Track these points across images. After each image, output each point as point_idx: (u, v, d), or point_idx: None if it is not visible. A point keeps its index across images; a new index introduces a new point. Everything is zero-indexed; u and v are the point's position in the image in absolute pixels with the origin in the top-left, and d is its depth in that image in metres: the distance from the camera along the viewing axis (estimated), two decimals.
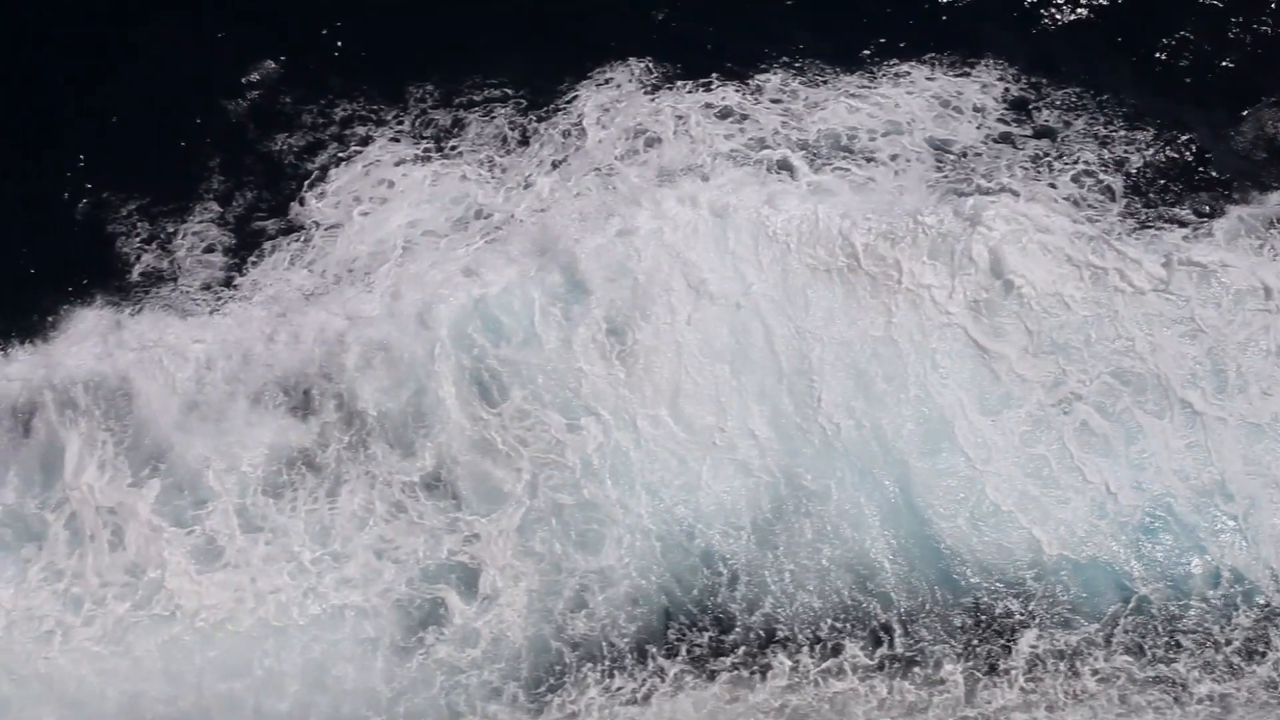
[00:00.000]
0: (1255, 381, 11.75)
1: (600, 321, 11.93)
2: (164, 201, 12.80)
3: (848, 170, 12.66)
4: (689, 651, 11.15)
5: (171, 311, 12.10)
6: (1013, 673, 11.27)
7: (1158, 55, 13.65)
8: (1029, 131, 12.98)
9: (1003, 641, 11.33)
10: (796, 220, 12.36)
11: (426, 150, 13.01)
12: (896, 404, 11.94)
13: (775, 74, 13.31)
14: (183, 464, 11.17)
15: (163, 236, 12.59)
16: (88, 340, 11.80)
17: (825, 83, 13.33)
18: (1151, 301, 11.99)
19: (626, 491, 11.48)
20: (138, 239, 12.58)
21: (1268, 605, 11.19)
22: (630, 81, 13.27)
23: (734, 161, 12.72)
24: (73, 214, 12.75)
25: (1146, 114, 12.98)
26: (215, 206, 12.75)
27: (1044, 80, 13.26)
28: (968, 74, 13.31)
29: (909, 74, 13.30)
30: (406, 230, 12.44)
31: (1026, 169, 12.70)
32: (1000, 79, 13.29)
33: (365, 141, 13.10)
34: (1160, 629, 11.21)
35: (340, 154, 13.01)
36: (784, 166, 12.70)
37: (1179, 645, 11.15)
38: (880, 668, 11.31)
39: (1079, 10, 14.03)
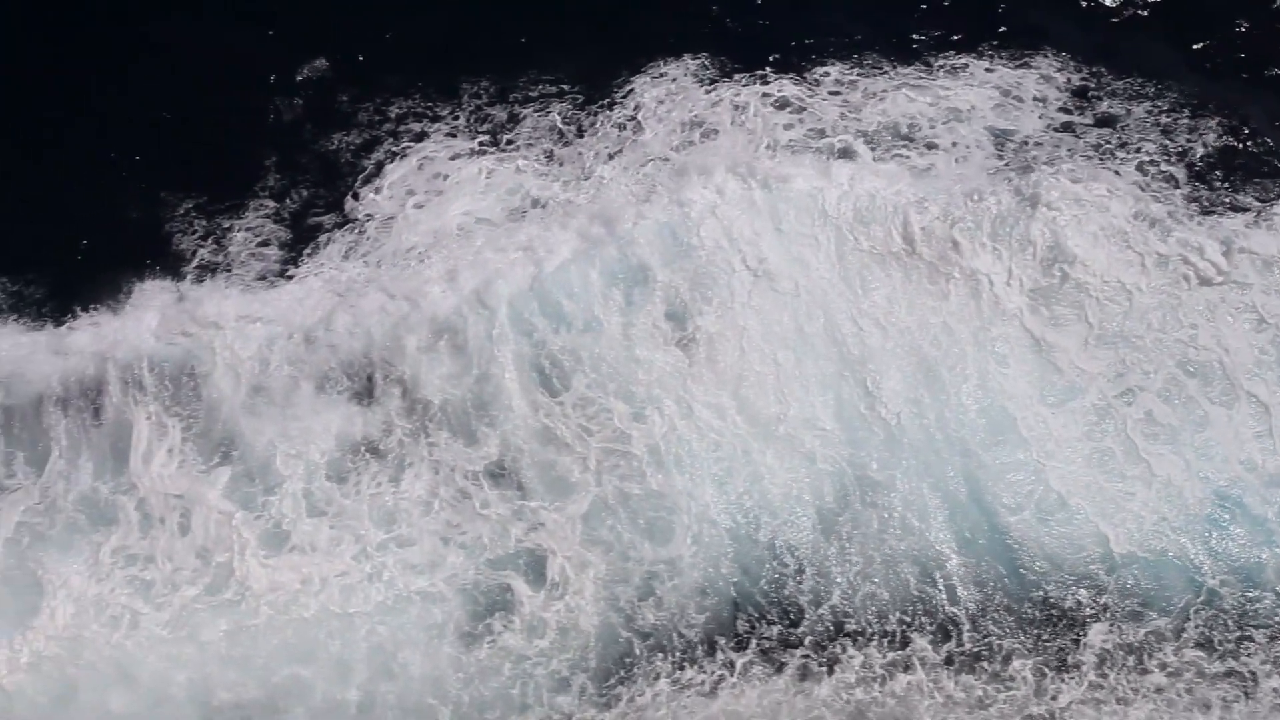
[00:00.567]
0: None
1: (660, 306, 11.89)
2: (220, 199, 12.76)
3: (908, 157, 12.63)
4: (758, 644, 10.98)
5: (230, 299, 12.02)
6: (1082, 667, 11.10)
7: (1218, 43, 13.66)
8: (1090, 120, 12.94)
9: (1072, 636, 11.17)
10: (852, 197, 12.36)
11: (482, 144, 13.00)
12: (958, 394, 11.85)
13: (832, 66, 13.31)
14: (250, 449, 11.11)
15: (218, 233, 12.54)
16: (150, 320, 11.75)
17: (883, 74, 13.33)
18: (1214, 290, 11.93)
19: (692, 480, 11.37)
20: (194, 235, 12.52)
21: None
22: (685, 75, 13.28)
23: (793, 151, 12.70)
24: (129, 214, 12.73)
25: (1208, 102, 12.94)
26: (270, 203, 12.73)
27: (1104, 69, 13.24)
28: (1027, 64, 13.31)
29: (967, 66, 13.30)
30: (461, 219, 12.43)
31: (1089, 157, 12.63)
32: (1060, 69, 13.27)
33: (420, 137, 13.08)
34: (1230, 622, 11.04)
35: (395, 149, 13.01)
36: (845, 154, 12.66)
37: (1249, 639, 10.97)
38: (948, 662, 11.14)
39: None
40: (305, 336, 11.68)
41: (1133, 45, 13.46)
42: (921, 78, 13.30)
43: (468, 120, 13.20)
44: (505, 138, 13.08)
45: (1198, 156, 12.60)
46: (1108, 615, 11.20)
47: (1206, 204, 12.34)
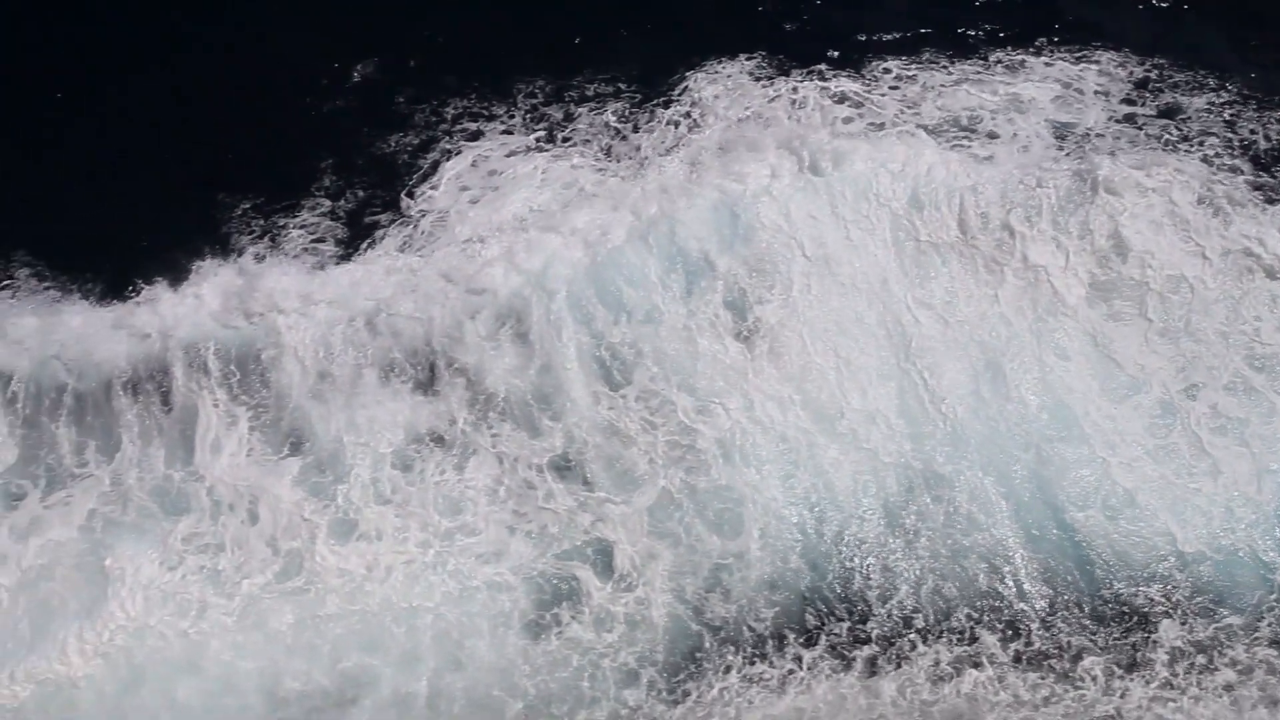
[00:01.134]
0: None
1: (720, 295, 11.86)
2: (277, 199, 12.79)
3: (968, 146, 12.60)
4: (827, 639, 10.80)
5: (290, 277, 12.01)
6: (1154, 665, 10.89)
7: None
8: (1152, 111, 12.93)
9: (1142, 633, 10.97)
10: (910, 179, 12.34)
11: (538, 141, 13.03)
12: (1019, 388, 11.75)
13: (890, 62, 13.34)
14: (317, 438, 11.06)
15: (274, 230, 12.55)
16: (212, 299, 11.75)
17: (942, 69, 13.34)
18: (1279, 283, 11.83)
19: (758, 474, 11.26)
20: (251, 235, 12.53)
21: None
22: (741, 73, 13.31)
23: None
24: (188, 213, 12.74)
25: (1274, 93, 12.92)
26: (326, 202, 12.74)
27: (1166, 61, 13.24)
28: (1087, 58, 13.31)
29: (1025, 60, 13.31)
30: (517, 211, 12.43)
31: (1152, 149, 12.60)
32: (1122, 63, 13.27)
33: (475, 136, 13.11)
34: None
35: (450, 148, 13.03)
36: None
37: None
38: (1016, 660, 10.93)
39: None
40: (367, 320, 11.66)
41: (1194, 37, 13.47)
42: (980, 72, 13.30)
43: (523, 119, 13.23)
44: (561, 135, 13.11)
45: (1262, 148, 12.56)
46: (1178, 612, 11.02)
47: (1271, 194, 12.26)
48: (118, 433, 10.90)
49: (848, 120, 12.68)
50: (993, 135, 12.76)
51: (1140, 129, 12.85)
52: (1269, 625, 10.85)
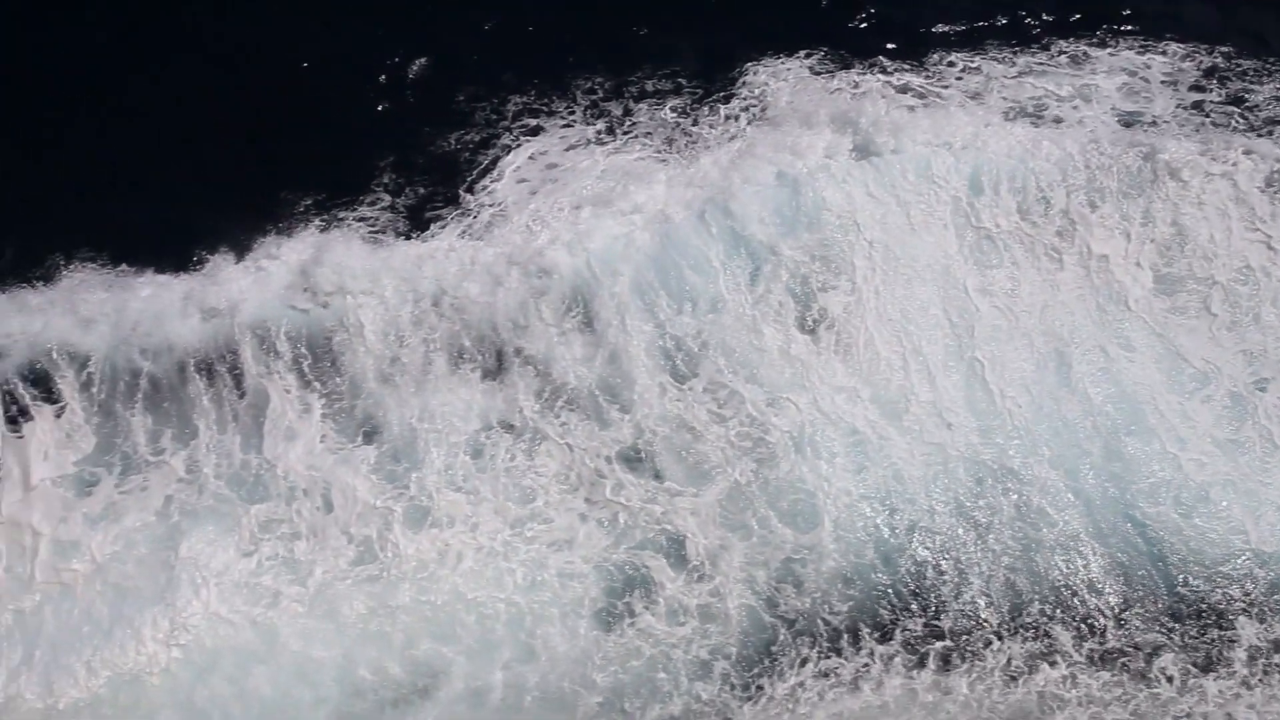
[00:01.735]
0: None
1: (784, 285, 11.79)
2: (338, 195, 12.74)
3: (1033, 131, 12.53)
4: (902, 634, 10.63)
5: (355, 253, 11.97)
6: (1232, 663, 10.67)
7: None
8: (1220, 98, 12.85)
9: (1219, 631, 10.76)
10: (971, 158, 12.29)
11: (598, 134, 12.99)
12: (1084, 380, 11.63)
13: (953, 54, 13.30)
14: (390, 425, 10.98)
15: (336, 222, 12.50)
16: (279, 278, 11.74)
17: (1006, 60, 13.29)
18: None
19: (829, 467, 11.12)
20: (312, 231, 12.49)
21: None
22: (801, 67, 13.25)
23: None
24: (249, 212, 12.71)
25: None
26: (386, 197, 12.70)
27: (1234, 49, 13.15)
28: (1153, 47, 13.22)
29: (1089, 51, 13.23)
30: (579, 199, 12.39)
31: (1219, 135, 12.50)
32: (1190, 54, 13.18)
33: (535, 132, 13.08)
34: None
35: (511, 144, 12.99)
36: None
37: None
38: (1091, 658, 10.73)
39: None
40: (433, 302, 11.61)
41: (1261, 25, 13.35)
42: (1044, 63, 13.24)
43: (583, 114, 13.20)
44: (621, 130, 13.07)
45: None
46: (1255, 610, 10.81)
47: None
48: (192, 419, 10.86)
49: (911, 109, 12.61)
50: (1058, 121, 12.71)
51: (1207, 116, 12.76)
52: None
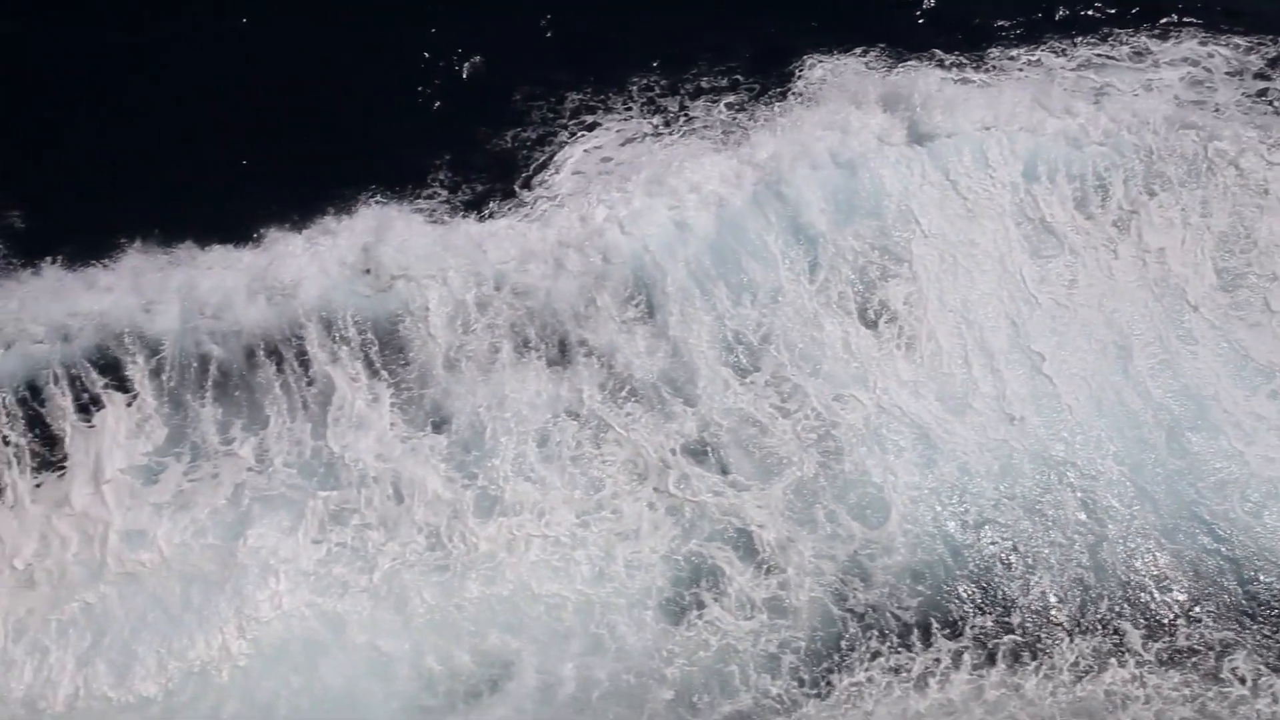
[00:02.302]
0: None
1: (844, 275, 11.75)
2: (393, 191, 12.70)
3: (1091, 115, 12.47)
4: (971, 630, 10.47)
5: (416, 232, 12.00)
6: None
7: None
8: None
9: None
10: (1026, 146, 12.21)
11: (655, 129, 12.97)
12: (1147, 374, 11.53)
13: (1012, 49, 13.23)
14: (458, 414, 10.93)
15: (393, 216, 12.46)
16: (343, 254, 11.76)
17: (1064, 54, 13.21)
18: None
19: (896, 460, 11.03)
20: (372, 212, 12.44)
21: None
22: (858, 62, 13.21)
23: None
24: (303, 208, 12.69)
25: None
26: (444, 192, 12.67)
27: None
28: (1215, 38, 13.12)
29: (1151, 42, 13.14)
30: (635, 185, 12.40)
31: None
32: (1253, 47, 13.05)
33: (592, 128, 13.05)
34: None
35: (567, 140, 12.96)
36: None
37: None
38: (1160, 656, 10.54)
39: None
40: (495, 284, 11.61)
41: None
42: (1104, 56, 13.14)
43: (639, 109, 13.18)
44: (677, 124, 13.03)
45: None
46: None
47: None
48: (262, 407, 10.80)
49: (963, 83, 12.58)
50: (1116, 119, 12.61)
51: (1271, 104, 12.67)
52: None
